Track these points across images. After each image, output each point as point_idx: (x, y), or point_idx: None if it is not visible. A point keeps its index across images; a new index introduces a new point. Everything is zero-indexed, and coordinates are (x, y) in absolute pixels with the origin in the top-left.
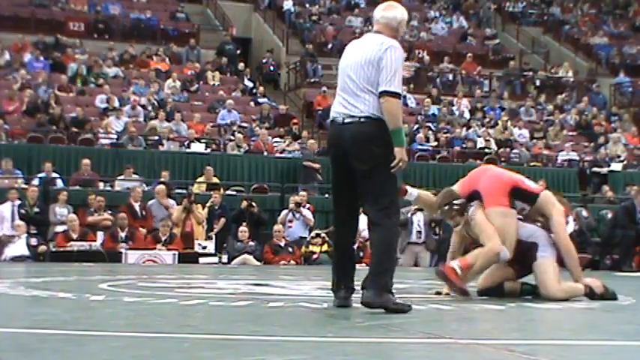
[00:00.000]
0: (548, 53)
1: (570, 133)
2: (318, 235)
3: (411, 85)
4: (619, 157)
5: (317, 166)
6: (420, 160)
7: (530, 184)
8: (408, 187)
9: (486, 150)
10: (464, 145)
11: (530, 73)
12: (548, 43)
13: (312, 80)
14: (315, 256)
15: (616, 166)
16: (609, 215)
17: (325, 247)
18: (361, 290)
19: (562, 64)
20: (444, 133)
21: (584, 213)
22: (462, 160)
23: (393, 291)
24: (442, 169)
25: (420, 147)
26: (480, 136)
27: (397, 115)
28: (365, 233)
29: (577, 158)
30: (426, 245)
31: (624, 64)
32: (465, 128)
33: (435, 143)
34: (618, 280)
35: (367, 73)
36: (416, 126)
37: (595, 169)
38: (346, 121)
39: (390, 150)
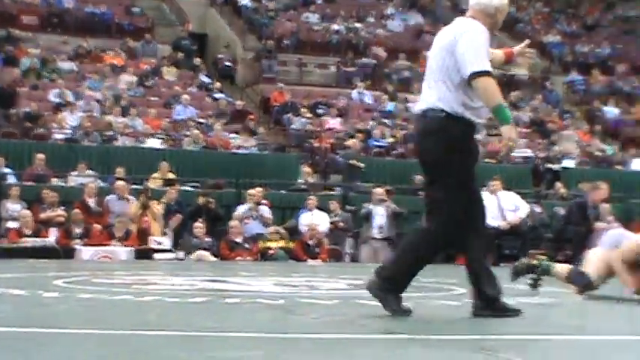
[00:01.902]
0: None
1: (524, 130)
2: (275, 231)
3: (368, 82)
4: (571, 154)
5: (362, 165)
6: (377, 157)
7: None
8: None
9: None
10: None
11: None
12: (503, 39)
13: (269, 76)
14: (271, 252)
15: (568, 163)
16: (562, 212)
17: (282, 244)
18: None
19: (516, 62)
20: (401, 129)
21: (538, 209)
22: None
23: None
24: (398, 166)
25: (376, 143)
26: None
27: (494, 93)
28: (320, 228)
29: (531, 155)
30: (387, 240)
31: (576, 63)
32: None
33: (392, 140)
34: None
35: (442, 60)
36: (372, 123)
37: (548, 165)
38: (417, 113)
39: (458, 148)
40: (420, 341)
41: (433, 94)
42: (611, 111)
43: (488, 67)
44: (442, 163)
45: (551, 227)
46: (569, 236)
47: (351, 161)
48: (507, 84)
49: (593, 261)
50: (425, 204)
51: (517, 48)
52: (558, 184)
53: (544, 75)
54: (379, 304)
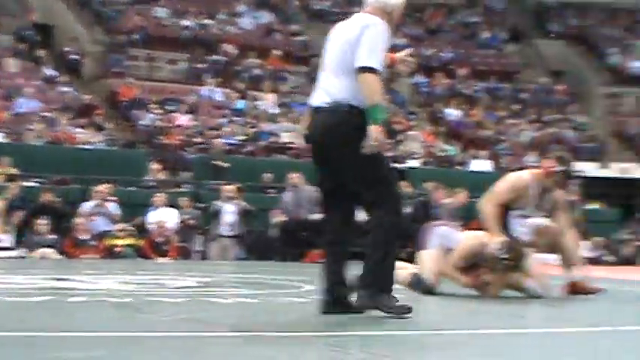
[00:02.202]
0: None
1: None
2: (123, 228)
3: (219, 79)
4: (416, 154)
5: (226, 165)
6: (227, 154)
7: None
8: None
9: (291, 145)
10: (270, 140)
11: None
12: None
13: (117, 70)
14: (119, 249)
15: (413, 163)
16: (407, 210)
17: (130, 241)
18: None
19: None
20: (251, 127)
21: None
22: (268, 155)
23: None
24: (248, 163)
25: (226, 141)
26: (285, 131)
27: (374, 91)
28: (168, 224)
29: None
30: (236, 238)
31: (421, 65)
32: (271, 123)
33: (242, 137)
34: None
35: (343, 53)
36: (222, 120)
37: (394, 165)
38: (319, 107)
39: (361, 138)
40: (268, 338)
41: (339, 88)
42: (453, 113)
43: (377, 66)
44: (354, 154)
45: None
46: (413, 234)
47: (215, 161)
48: None
49: (426, 261)
50: (362, 198)
51: (399, 55)
52: (404, 183)
53: (391, 76)
54: (379, 312)
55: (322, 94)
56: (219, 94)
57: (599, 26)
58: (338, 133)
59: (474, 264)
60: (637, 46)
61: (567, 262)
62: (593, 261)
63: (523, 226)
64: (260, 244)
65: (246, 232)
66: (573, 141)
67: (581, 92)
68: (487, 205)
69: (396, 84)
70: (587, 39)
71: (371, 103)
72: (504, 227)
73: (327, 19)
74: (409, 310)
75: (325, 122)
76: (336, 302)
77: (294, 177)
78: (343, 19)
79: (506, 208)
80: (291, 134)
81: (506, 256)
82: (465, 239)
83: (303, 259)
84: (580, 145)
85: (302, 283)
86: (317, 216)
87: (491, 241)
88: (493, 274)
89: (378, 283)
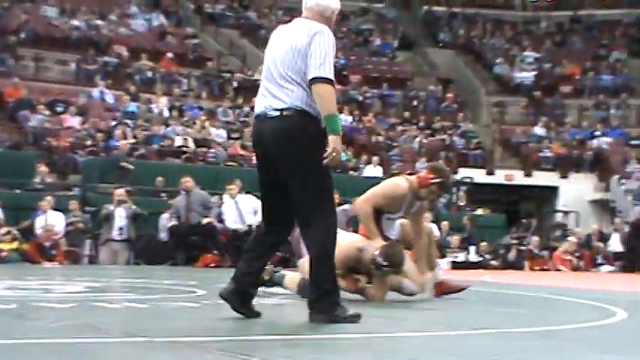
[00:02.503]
0: (246, 56)
1: None
2: (8, 232)
3: (109, 81)
4: None
5: (131, 167)
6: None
7: None
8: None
9: (184, 149)
10: (162, 144)
11: (228, 75)
12: (246, 46)
13: (3, 70)
14: (4, 254)
15: None
16: None
17: (15, 245)
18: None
19: (258, 68)
20: (143, 130)
21: None
22: (161, 158)
23: (342, 303)
24: (140, 167)
25: (117, 144)
26: (178, 135)
27: (331, 101)
28: (57, 228)
29: None
30: (127, 242)
31: None
32: (163, 126)
33: (134, 140)
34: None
35: (293, 61)
36: (113, 123)
37: None
38: (269, 114)
39: (318, 146)
40: (160, 344)
41: (289, 94)
42: (346, 119)
43: (331, 76)
44: (306, 161)
45: None
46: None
47: (121, 163)
48: (250, 89)
49: (305, 268)
50: (297, 204)
51: None
52: None
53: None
54: (335, 324)
55: (271, 102)
56: (110, 96)
57: (486, 37)
58: (292, 139)
59: (351, 268)
60: (521, 57)
61: (430, 265)
62: (480, 265)
63: (392, 228)
64: (151, 248)
65: (137, 237)
66: (461, 148)
67: (469, 100)
68: (365, 208)
69: None
70: (475, 49)
71: (328, 113)
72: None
73: (221, 22)
74: (359, 316)
75: (277, 128)
76: (237, 292)
77: (186, 181)
78: (238, 23)
79: (378, 211)
80: (183, 138)
81: (384, 263)
82: (341, 244)
83: (195, 263)
84: (468, 152)
85: (193, 288)
86: (207, 220)
87: (370, 245)
88: (375, 280)
89: (327, 297)
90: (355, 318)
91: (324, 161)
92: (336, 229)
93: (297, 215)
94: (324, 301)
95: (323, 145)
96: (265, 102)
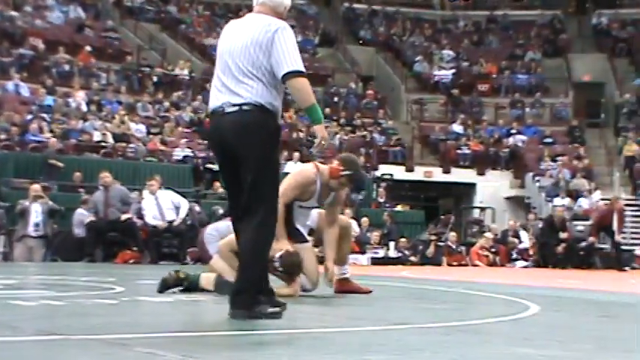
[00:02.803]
0: (166, 51)
1: (185, 130)
2: None
3: (25, 74)
4: None
5: (61, 165)
6: (34, 152)
7: None
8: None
9: (103, 143)
10: (80, 138)
11: (148, 69)
12: (166, 40)
13: None
14: None
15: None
16: (220, 211)
17: None
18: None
19: (178, 62)
20: (60, 124)
21: (197, 208)
22: (79, 153)
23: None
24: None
25: (33, 138)
26: (96, 130)
27: (309, 93)
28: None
29: (191, 155)
30: (43, 238)
31: None
32: (81, 121)
33: (50, 135)
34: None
35: (253, 56)
36: (29, 116)
37: (208, 165)
38: (227, 110)
39: (274, 143)
40: (77, 341)
41: (248, 89)
42: None
43: (302, 68)
44: (264, 157)
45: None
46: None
47: (50, 160)
48: (170, 83)
49: (219, 264)
50: (245, 199)
51: None
52: (217, 184)
53: (205, 76)
54: (255, 320)
55: (228, 98)
56: (25, 90)
57: (406, 35)
58: (251, 134)
59: None
60: (440, 56)
61: (341, 259)
62: (399, 261)
63: (307, 217)
64: (68, 244)
65: (53, 233)
66: (381, 145)
67: (389, 98)
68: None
69: (209, 85)
70: (395, 47)
71: (308, 104)
72: (287, 221)
73: (140, 16)
74: (281, 313)
75: (237, 122)
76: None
77: (105, 176)
78: (158, 17)
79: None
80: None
81: (280, 268)
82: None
83: (114, 259)
84: (388, 149)
85: (112, 285)
86: (127, 216)
87: (275, 243)
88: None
89: (249, 293)
90: (277, 314)
91: (314, 150)
92: (274, 229)
93: (242, 208)
94: (245, 297)
95: (278, 142)
96: (222, 97)
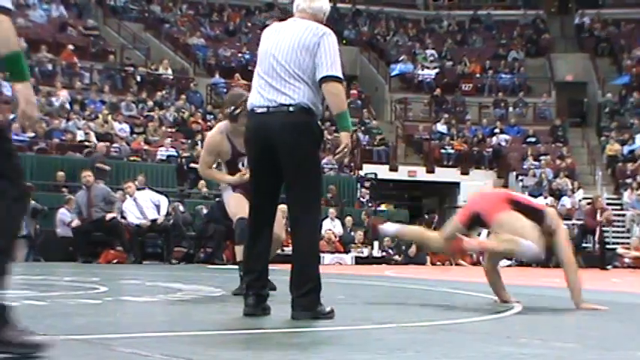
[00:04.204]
0: (149, 50)
1: (169, 130)
2: None
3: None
4: None
5: (108, 167)
6: (18, 152)
7: (531, 199)
8: (384, 225)
9: (86, 143)
10: (63, 138)
11: (132, 68)
12: (149, 39)
13: None
14: None
15: None
16: (204, 210)
17: None
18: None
19: (162, 62)
20: (44, 124)
21: (181, 208)
22: (62, 153)
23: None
24: (41, 161)
25: (16, 137)
26: (80, 129)
27: (343, 99)
28: None
29: (175, 154)
30: (25, 238)
31: (220, 66)
32: (64, 120)
33: (33, 134)
34: (209, 271)
35: (300, 58)
36: (12, 116)
37: (192, 165)
38: (272, 110)
39: (318, 146)
40: (60, 342)
41: (296, 91)
42: None
43: (341, 74)
44: (309, 157)
45: (193, 225)
46: (210, 234)
47: (97, 164)
48: (153, 83)
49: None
50: (292, 199)
51: None
52: (201, 183)
53: (188, 76)
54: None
55: (275, 96)
56: (7, 89)
57: (389, 34)
58: (301, 135)
59: None
60: (424, 55)
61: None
62: (383, 260)
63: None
64: (51, 244)
65: (36, 233)
66: (366, 144)
67: (373, 97)
68: (202, 172)
69: (194, 84)
70: (379, 46)
71: (340, 110)
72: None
73: (124, 15)
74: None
75: (288, 123)
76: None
77: (87, 175)
78: (141, 16)
79: (228, 163)
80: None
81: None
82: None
83: (97, 259)
84: (372, 149)
85: (95, 285)
86: (111, 215)
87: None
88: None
89: (312, 294)
90: (332, 314)
91: (337, 157)
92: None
93: (288, 211)
94: (312, 298)
95: (321, 143)
96: (268, 96)
